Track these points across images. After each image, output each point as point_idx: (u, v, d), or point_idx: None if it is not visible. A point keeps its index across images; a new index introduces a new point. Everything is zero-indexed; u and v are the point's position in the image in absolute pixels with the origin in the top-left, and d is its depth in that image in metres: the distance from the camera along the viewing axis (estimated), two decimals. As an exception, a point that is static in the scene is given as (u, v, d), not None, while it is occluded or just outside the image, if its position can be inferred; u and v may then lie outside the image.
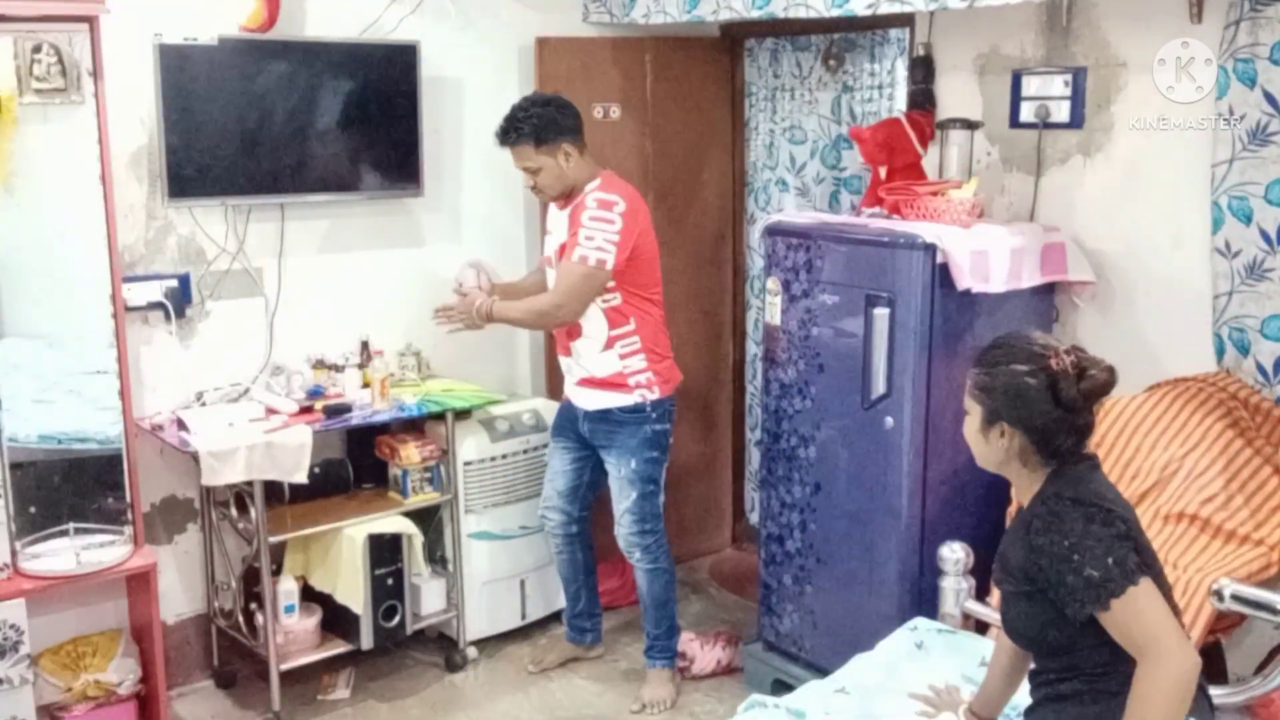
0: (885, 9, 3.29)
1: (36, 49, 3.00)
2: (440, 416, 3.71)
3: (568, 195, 3.40)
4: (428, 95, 3.87)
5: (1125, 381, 3.17)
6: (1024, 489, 2.10)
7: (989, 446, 2.08)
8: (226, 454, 3.26)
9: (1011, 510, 3.10)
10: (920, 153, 3.57)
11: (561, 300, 3.35)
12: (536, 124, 3.31)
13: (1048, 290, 3.38)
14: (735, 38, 4.55)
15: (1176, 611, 1.99)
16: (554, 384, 4.18)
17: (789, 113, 4.70)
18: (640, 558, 3.56)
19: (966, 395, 2.10)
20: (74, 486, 3.21)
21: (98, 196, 3.11)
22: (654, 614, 3.61)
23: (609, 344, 3.42)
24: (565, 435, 3.66)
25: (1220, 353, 3.08)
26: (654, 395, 3.46)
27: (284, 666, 3.49)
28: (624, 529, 3.55)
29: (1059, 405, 1.98)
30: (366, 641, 3.62)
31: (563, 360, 3.58)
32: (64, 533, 3.15)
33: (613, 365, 3.43)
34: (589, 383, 3.48)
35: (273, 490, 3.50)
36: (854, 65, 4.58)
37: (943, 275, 3.09)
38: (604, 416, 3.48)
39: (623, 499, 3.52)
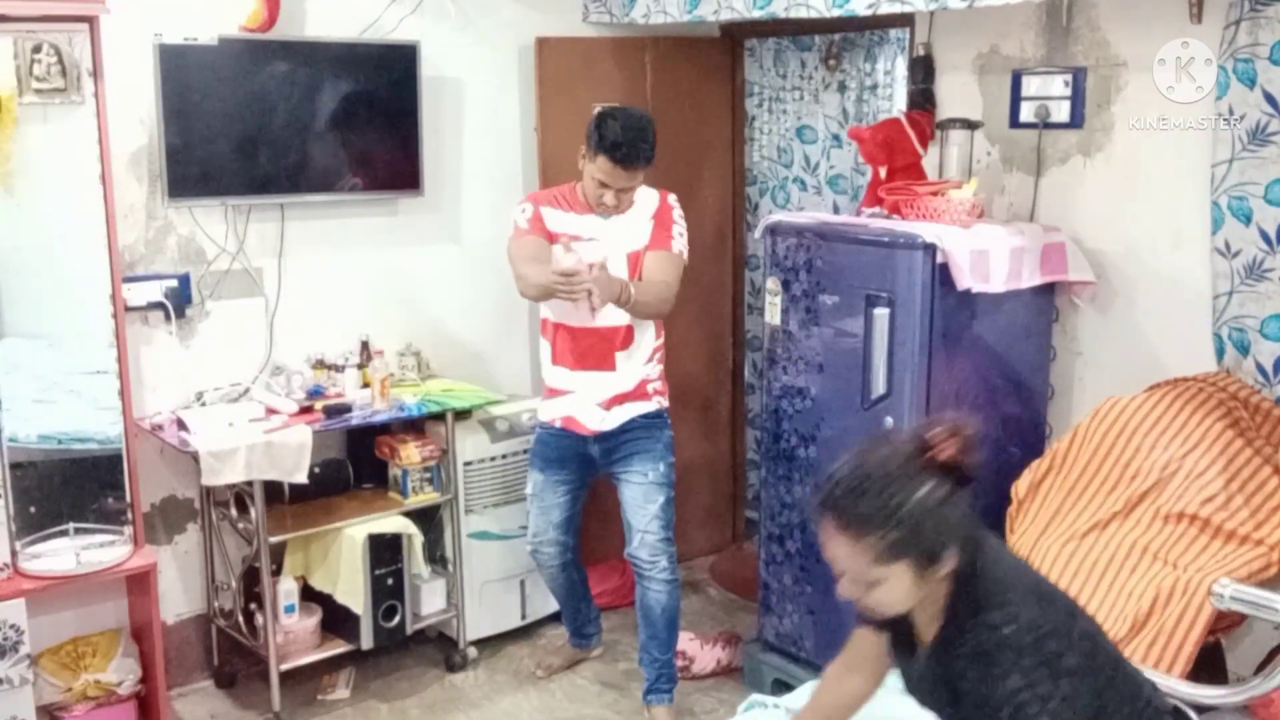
0: (885, 9, 3.29)
1: (36, 49, 3.00)
2: (440, 416, 3.71)
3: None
4: (428, 95, 3.86)
5: (1125, 381, 3.19)
6: (933, 612, 1.79)
7: (926, 587, 1.74)
8: (226, 454, 3.26)
9: (1012, 510, 3.10)
10: (920, 153, 3.57)
11: (674, 289, 3.28)
12: (654, 149, 3.26)
13: (1048, 290, 3.38)
14: (735, 38, 4.55)
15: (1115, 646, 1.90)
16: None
17: (796, 112, 4.71)
18: (664, 568, 3.40)
19: (873, 564, 1.70)
20: (74, 486, 3.21)
21: (98, 196, 3.11)
22: (665, 634, 3.46)
23: (652, 355, 3.38)
24: (559, 466, 3.47)
25: (1220, 353, 3.08)
26: (666, 402, 3.43)
27: (284, 666, 3.49)
28: (653, 536, 3.38)
29: (969, 488, 1.73)
30: (366, 641, 3.62)
31: (584, 376, 3.34)
32: (64, 533, 3.15)
33: (643, 374, 3.36)
34: (618, 399, 3.34)
35: (273, 490, 3.49)
36: (854, 65, 4.58)
37: (943, 275, 3.09)
38: (626, 428, 3.36)
39: (649, 504, 3.37)
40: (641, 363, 3.35)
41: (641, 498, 3.37)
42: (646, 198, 3.35)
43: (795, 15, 3.55)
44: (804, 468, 3.44)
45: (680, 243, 3.32)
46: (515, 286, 3.30)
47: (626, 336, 3.31)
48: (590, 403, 3.34)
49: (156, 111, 3.38)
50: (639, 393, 3.36)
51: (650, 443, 3.37)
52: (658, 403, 3.39)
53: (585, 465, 3.46)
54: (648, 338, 3.36)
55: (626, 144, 3.16)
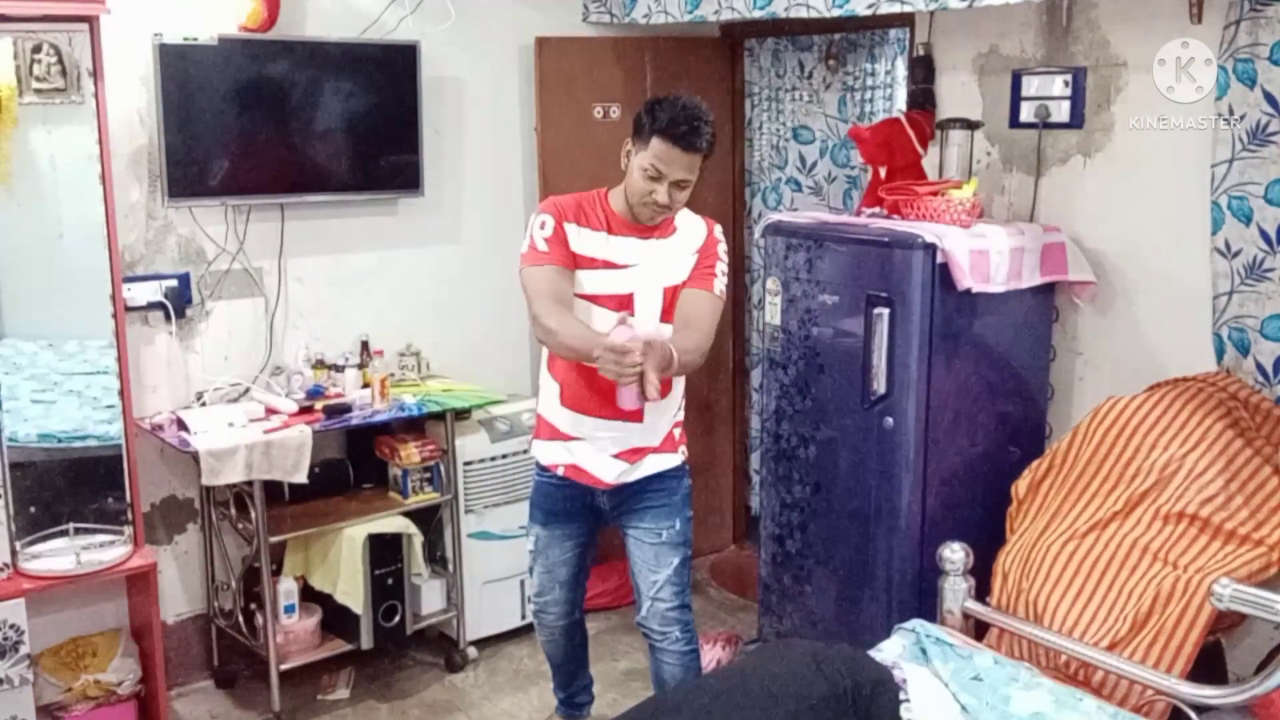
0: (885, 9, 3.29)
1: (36, 49, 3.00)
2: (440, 416, 3.71)
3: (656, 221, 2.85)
4: (428, 95, 3.87)
5: (1125, 381, 3.20)
6: None
7: None
8: (226, 454, 3.26)
9: (1012, 510, 3.11)
10: (920, 153, 3.57)
11: (710, 339, 2.80)
12: (715, 139, 2.78)
13: (1048, 290, 3.38)
14: (736, 38, 4.55)
15: None
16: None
17: (793, 113, 4.71)
18: (678, 639, 2.99)
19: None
20: (74, 486, 3.21)
21: (98, 196, 3.11)
22: None
23: (681, 402, 2.99)
24: (563, 520, 3.03)
25: (1220, 353, 3.08)
26: (686, 451, 3.02)
27: (284, 666, 3.49)
28: (663, 604, 2.96)
29: None
30: (366, 641, 3.62)
31: (602, 425, 2.87)
32: (64, 533, 3.15)
33: (670, 424, 2.94)
34: (640, 452, 2.90)
35: (273, 490, 3.50)
36: (854, 65, 4.58)
37: (943, 275, 3.09)
38: (646, 482, 2.93)
39: (661, 567, 2.94)
40: (672, 412, 2.95)
41: (653, 559, 2.95)
42: (692, 225, 2.89)
43: (795, 15, 3.55)
44: (804, 468, 3.44)
45: (722, 282, 2.85)
46: (527, 308, 2.80)
47: (665, 386, 2.82)
48: (604, 454, 2.89)
49: (156, 111, 3.38)
50: (666, 445, 2.94)
51: (667, 495, 2.94)
52: (682, 453, 2.98)
53: (593, 517, 3.03)
54: (680, 385, 2.97)
55: (686, 121, 2.67)
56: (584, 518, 3.02)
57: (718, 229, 2.92)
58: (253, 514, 3.42)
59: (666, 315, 2.82)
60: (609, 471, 2.89)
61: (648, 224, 2.82)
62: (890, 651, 2.64)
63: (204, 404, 3.57)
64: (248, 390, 3.66)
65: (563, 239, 2.79)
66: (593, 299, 2.81)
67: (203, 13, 3.46)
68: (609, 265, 2.81)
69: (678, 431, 2.97)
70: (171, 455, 3.54)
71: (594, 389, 2.83)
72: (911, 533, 3.19)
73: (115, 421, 3.22)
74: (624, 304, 2.80)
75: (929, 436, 3.16)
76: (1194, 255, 3.13)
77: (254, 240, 3.69)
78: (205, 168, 3.48)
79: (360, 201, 3.88)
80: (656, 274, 2.82)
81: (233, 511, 3.54)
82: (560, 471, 2.96)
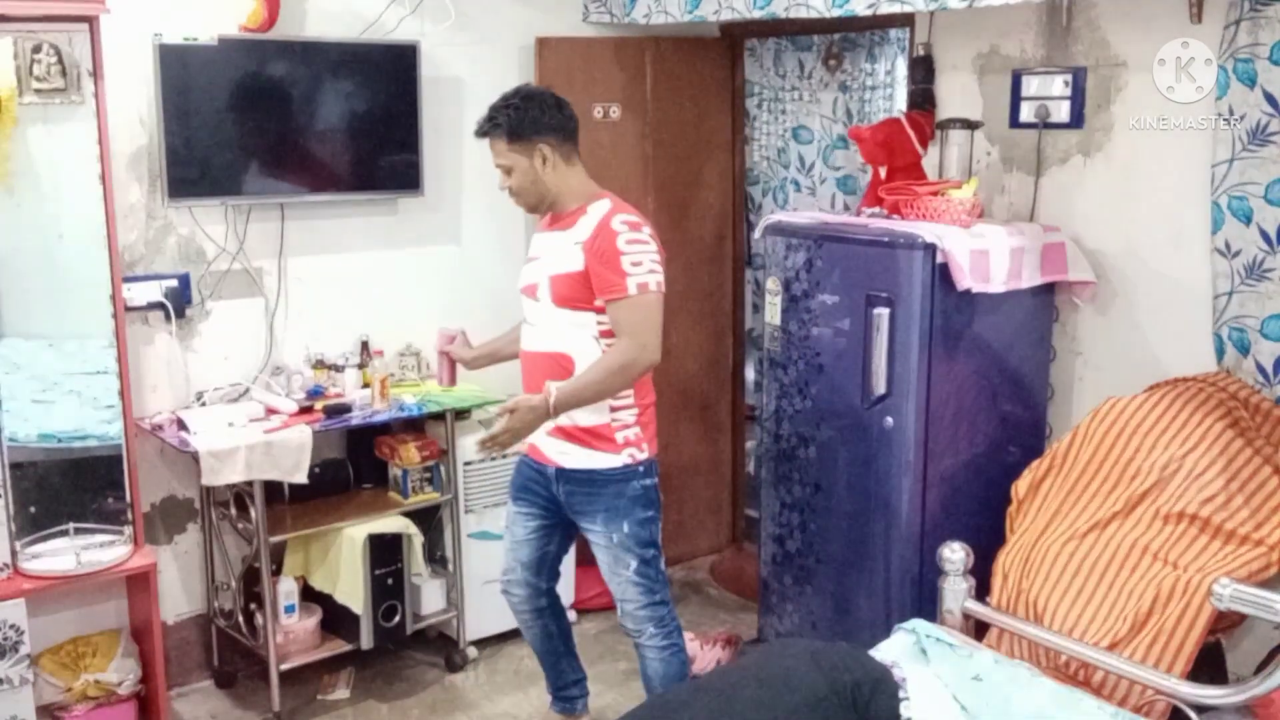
0: (885, 9, 3.29)
1: (36, 49, 3.01)
2: (440, 416, 3.71)
3: (551, 210, 2.98)
4: (428, 95, 3.86)
5: (1125, 381, 3.20)
6: None
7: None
8: (226, 454, 3.27)
9: (1012, 510, 3.11)
10: (920, 153, 3.57)
11: (643, 340, 2.80)
12: (512, 117, 2.88)
13: (1048, 290, 3.38)
14: (735, 38, 4.55)
15: None
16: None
17: (795, 113, 4.71)
18: (654, 635, 3.01)
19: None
20: (74, 486, 3.21)
21: (98, 196, 3.11)
22: None
23: (629, 401, 2.94)
24: (526, 498, 3.11)
25: (1220, 353, 3.08)
26: (643, 454, 2.95)
27: (284, 666, 3.50)
28: (630, 605, 3.00)
29: None
30: (366, 641, 3.62)
31: None
32: (64, 533, 3.15)
33: (600, 414, 2.90)
34: (567, 433, 2.93)
35: (273, 490, 3.50)
36: (854, 65, 4.59)
37: (943, 275, 3.09)
38: (586, 478, 2.94)
39: (620, 570, 2.97)
40: (606, 407, 2.90)
41: (611, 562, 2.99)
42: (591, 215, 2.89)
43: (795, 15, 3.55)
44: (804, 468, 3.44)
45: (640, 276, 2.78)
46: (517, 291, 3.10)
47: (564, 366, 2.88)
48: (542, 432, 2.96)
49: (156, 111, 3.38)
50: (603, 439, 2.91)
51: (610, 499, 2.93)
52: (629, 455, 2.92)
53: (554, 506, 3.06)
54: (628, 390, 2.93)
55: (483, 116, 2.95)
56: (544, 502, 3.08)
57: (616, 219, 2.84)
58: (253, 514, 3.42)
59: (560, 302, 2.89)
60: (549, 448, 3.00)
61: (540, 213, 3.03)
62: (890, 651, 2.64)
63: (204, 404, 3.57)
64: (248, 390, 3.66)
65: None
66: (521, 290, 3.07)
67: (203, 13, 3.46)
68: (528, 260, 3.06)
69: (624, 434, 2.92)
70: (171, 455, 3.54)
71: (526, 371, 3.04)
72: (911, 533, 3.19)
73: (115, 421, 3.22)
74: (531, 293, 2.98)
75: (929, 436, 3.16)
76: (1194, 255, 3.13)
77: (254, 240, 3.69)
78: (205, 168, 3.48)
79: (360, 201, 3.88)
80: (548, 264, 2.94)
81: (233, 511, 3.54)
82: (524, 450, 3.12)
